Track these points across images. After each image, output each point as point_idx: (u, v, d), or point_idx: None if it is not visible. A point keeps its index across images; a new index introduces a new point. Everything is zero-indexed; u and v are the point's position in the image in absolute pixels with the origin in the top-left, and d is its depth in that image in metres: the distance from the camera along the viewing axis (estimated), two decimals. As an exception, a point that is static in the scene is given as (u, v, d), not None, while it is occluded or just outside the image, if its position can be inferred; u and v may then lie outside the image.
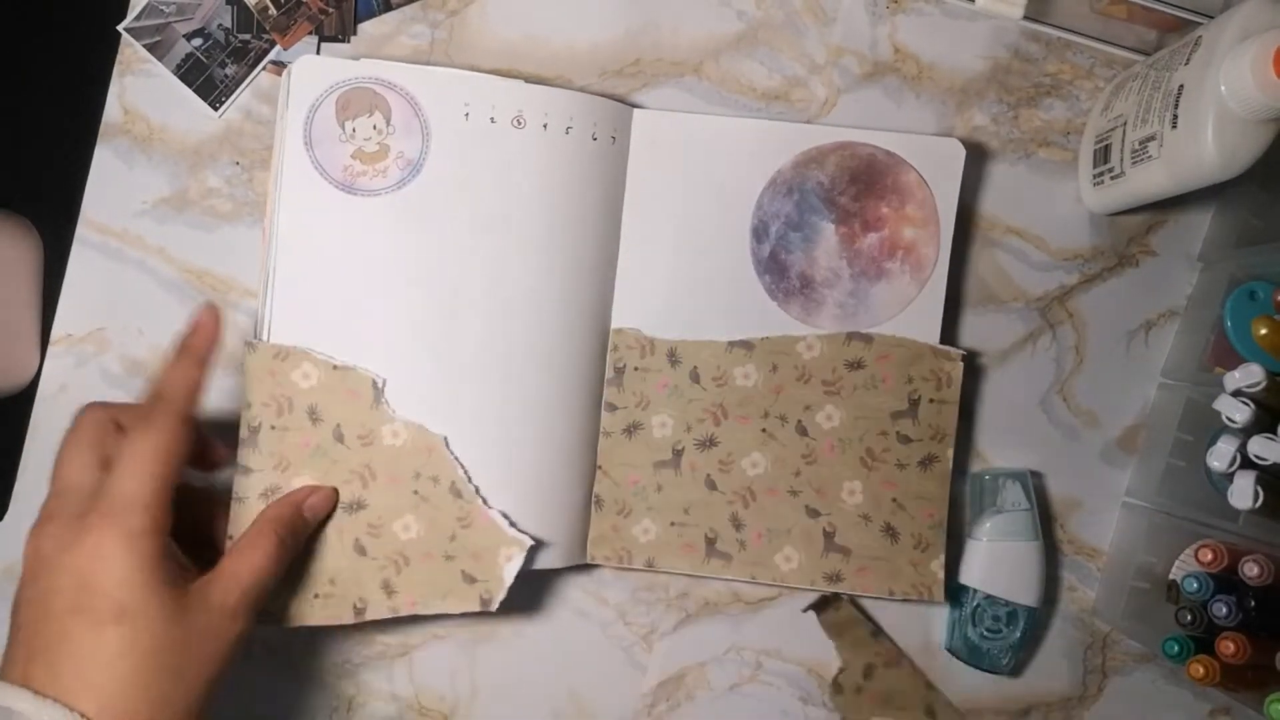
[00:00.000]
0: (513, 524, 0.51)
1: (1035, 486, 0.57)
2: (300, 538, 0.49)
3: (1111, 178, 0.54)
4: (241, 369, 0.51)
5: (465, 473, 0.52)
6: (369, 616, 0.51)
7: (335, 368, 0.51)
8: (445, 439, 0.52)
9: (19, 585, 0.42)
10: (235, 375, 0.55)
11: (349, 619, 0.51)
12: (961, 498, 0.57)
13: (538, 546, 0.52)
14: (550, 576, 0.57)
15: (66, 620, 0.41)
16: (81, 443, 0.45)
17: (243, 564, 0.46)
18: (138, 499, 0.42)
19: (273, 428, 0.51)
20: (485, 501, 0.51)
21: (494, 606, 0.51)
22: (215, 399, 0.55)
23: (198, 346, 0.47)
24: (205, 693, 0.43)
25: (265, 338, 0.51)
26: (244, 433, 0.51)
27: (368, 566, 0.51)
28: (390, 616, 0.51)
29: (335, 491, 0.51)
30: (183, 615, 0.42)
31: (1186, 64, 0.49)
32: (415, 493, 0.52)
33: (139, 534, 0.42)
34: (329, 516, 0.51)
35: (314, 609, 0.51)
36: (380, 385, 0.51)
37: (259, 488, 0.51)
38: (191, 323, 0.47)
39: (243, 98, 0.56)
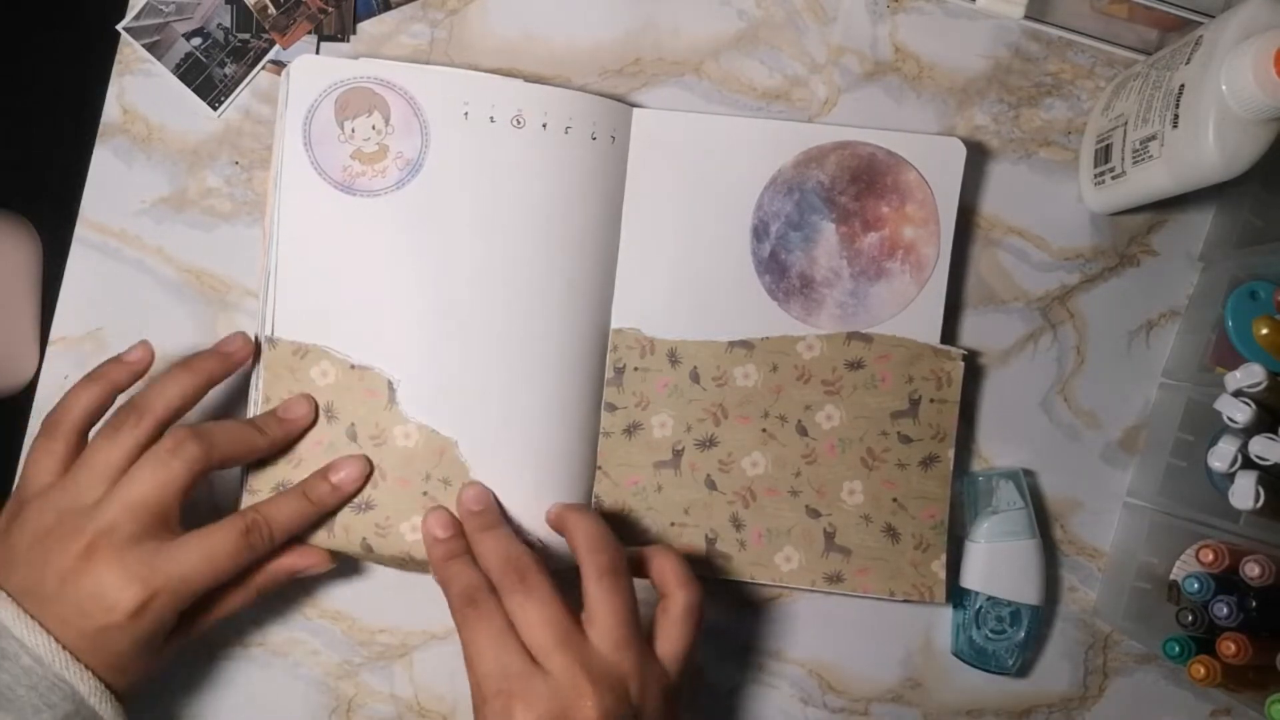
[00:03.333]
0: None
1: (1029, 484, 0.57)
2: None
3: (1112, 177, 0.54)
4: (259, 364, 0.51)
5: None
6: None
7: (353, 367, 0.51)
8: (456, 443, 0.51)
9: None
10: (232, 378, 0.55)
11: None
12: (958, 499, 0.57)
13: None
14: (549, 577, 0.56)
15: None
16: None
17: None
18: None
19: None
20: None
21: None
22: (215, 400, 0.55)
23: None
24: None
25: (265, 338, 0.52)
26: None
27: (374, 566, 0.51)
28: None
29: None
30: None
31: (1187, 63, 0.48)
32: (425, 494, 0.52)
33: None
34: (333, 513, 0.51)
35: None
36: (395, 386, 0.51)
37: (272, 481, 0.51)
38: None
39: (242, 97, 0.56)
